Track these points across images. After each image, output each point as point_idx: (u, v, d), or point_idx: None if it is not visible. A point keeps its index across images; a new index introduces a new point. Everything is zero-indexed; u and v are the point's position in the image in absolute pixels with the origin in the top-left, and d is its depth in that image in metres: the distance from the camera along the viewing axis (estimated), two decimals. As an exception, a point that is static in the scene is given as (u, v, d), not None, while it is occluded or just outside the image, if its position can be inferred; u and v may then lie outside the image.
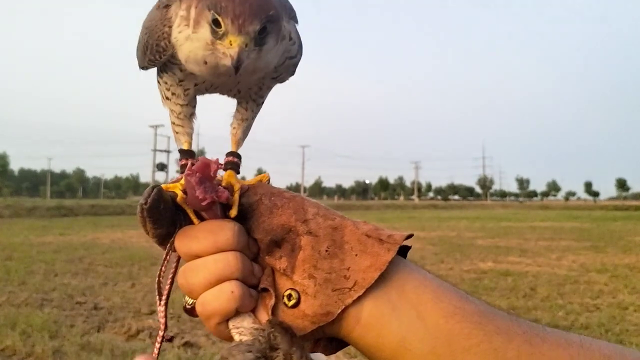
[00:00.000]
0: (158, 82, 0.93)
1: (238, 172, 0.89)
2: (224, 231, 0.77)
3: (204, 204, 0.75)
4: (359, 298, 0.73)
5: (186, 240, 0.78)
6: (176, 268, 0.84)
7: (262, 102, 0.95)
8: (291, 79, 0.94)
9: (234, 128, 0.95)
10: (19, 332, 6.38)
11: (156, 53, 0.85)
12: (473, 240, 20.24)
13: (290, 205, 0.80)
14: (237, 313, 0.75)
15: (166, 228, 0.79)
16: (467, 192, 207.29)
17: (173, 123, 0.93)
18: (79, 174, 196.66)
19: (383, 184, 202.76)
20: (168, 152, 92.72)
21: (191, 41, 0.80)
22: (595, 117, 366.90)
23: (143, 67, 0.91)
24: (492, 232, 24.78)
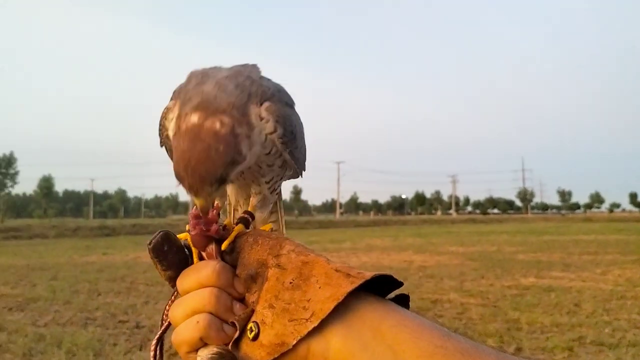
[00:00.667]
0: None
1: (247, 227, 0.95)
2: (206, 268, 0.81)
3: (193, 233, 0.83)
4: (323, 333, 0.71)
5: (180, 279, 0.83)
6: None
7: (270, 182, 1.01)
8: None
9: (252, 198, 1.02)
10: (64, 351, 6.55)
11: (160, 132, 0.97)
12: (514, 255, 19.78)
13: (268, 243, 0.83)
14: (205, 344, 0.78)
15: (175, 270, 0.85)
16: (506, 206, 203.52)
17: None
18: (121, 194, 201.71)
19: (420, 198, 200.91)
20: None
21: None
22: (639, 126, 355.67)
23: None
24: (533, 246, 24.16)
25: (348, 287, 0.72)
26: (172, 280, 0.85)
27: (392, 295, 0.79)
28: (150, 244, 0.83)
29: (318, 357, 0.71)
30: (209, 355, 0.76)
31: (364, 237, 35.03)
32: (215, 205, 0.85)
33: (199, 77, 0.88)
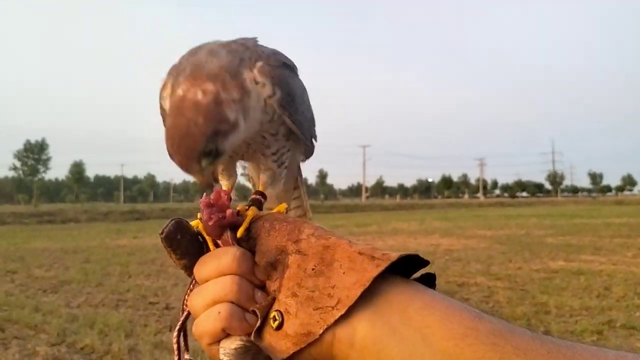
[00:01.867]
0: None
1: (260, 209, 0.92)
2: (226, 255, 0.78)
3: (210, 224, 0.80)
4: (349, 319, 0.68)
5: (198, 267, 0.80)
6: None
7: (276, 153, 0.98)
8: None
9: (259, 177, 1.01)
10: (97, 332, 6.74)
11: (160, 105, 0.95)
12: (543, 238, 19.51)
13: (286, 228, 0.79)
14: (227, 335, 0.75)
15: (189, 259, 0.82)
16: (535, 189, 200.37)
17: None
18: (150, 179, 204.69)
19: (446, 182, 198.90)
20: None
21: None
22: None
23: None
24: (563, 230, 23.77)
25: (374, 271, 0.68)
26: (188, 269, 0.83)
27: (417, 275, 0.75)
28: (162, 232, 0.80)
29: (344, 343, 0.69)
30: (234, 348, 0.74)
31: (390, 220, 34.95)
32: (226, 189, 0.84)
33: (192, 49, 0.87)
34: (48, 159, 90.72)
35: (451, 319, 0.65)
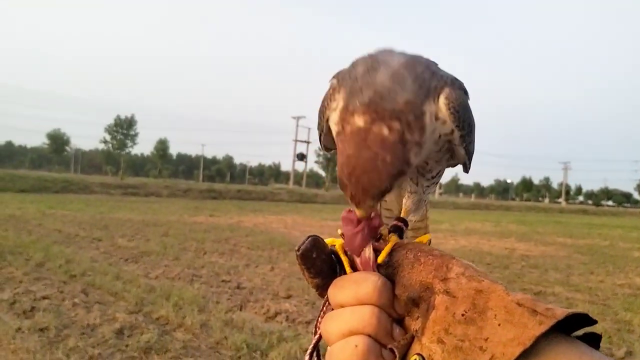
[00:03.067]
0: None
1: (401, 237, 0.87)
2: (366, 283, 0.74)
3: (356, 243, 0.76)
4: None
5: (334, 290, 0.77)
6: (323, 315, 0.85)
7: (435, 177, 0.92)
8: None
9: (405, 199, 0.94)
10: (172, 304, 7.02)
11: (321, 114, 0.88)
12: (628, 252, 18.32)
13: (433, 262, 0.74)
14: None
15: (322, 278, 0.80)
16: (623, 198, 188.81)
17: None
18: (228, 160, 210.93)
19: (526, 184, 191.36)
20: (308, 142, 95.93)
21: None
22: None
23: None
24: (652, 245, 22.27)
25: (536, 329, 0.61)
26: (320, 288, 0.81)
27: (580, 332, 0.66)
28: (298, 250, 0.77)
29: None
30: None
31: (463, 219, 34.09)
32: (377, 214, 0.79)
33: (368, 63, 0.79)
34: (136, 135, 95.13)
35: None
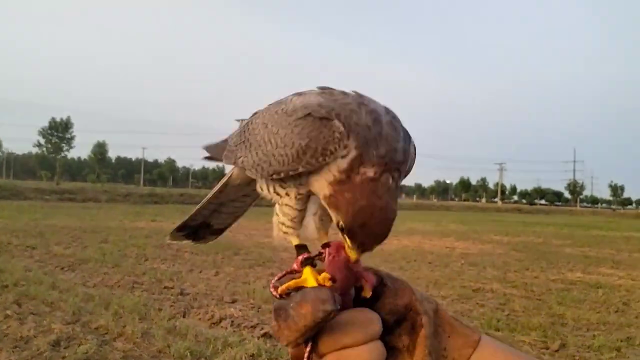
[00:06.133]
0: (264, 189, 0.99)
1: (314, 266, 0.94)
2: (373, 323, 0.83)
3: (353, 268, 0.85)
4: None
5: (337, 336, 0.80)
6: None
7: None
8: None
9: (321, 220, 1.00)
10: (112, 313, 6.80)
11: (321, 156, 0.84)
12: (560, 248, 19.24)
13: (406, 287, 0.89)
14: None
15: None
16: (554, 197, 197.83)
17: (282, 224, 0.97)
18: (170, 163, 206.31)
19: (464, 184, 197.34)
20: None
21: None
22: None
23: (293, 170, 0.89)
24: (581, 241, 23.42)
25: (474, 335, 0.88)
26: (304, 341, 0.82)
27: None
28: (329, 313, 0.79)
29: None
30: None
31: (405, 220, 34.73)
32: (343, 246, 0.88)
33: (371, 114, 0.84)
34: (72, 138, 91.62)
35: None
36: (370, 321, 0.82)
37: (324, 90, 0.92)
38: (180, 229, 1.23)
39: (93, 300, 7.44)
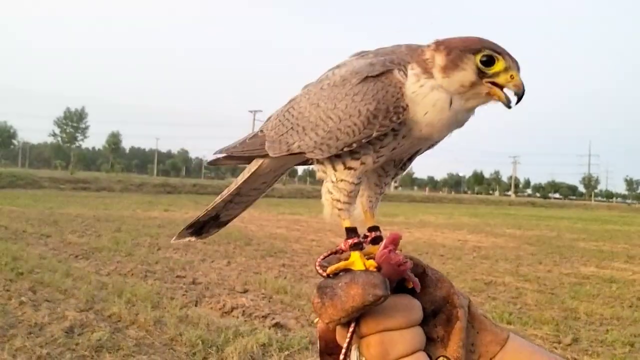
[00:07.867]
0: (322, 168, 0.99)
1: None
2: (415, 310, 0.87)
3: (402, 268, 0.86)
4: None
5: (380, 319, 0.84)
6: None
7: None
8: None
9: (370, 201, 1.02)
10: (124, 301, 6.86)
11: (394, 115, 0.86)
12: (574, 242, 19.08)
13: (445, 279, 0.92)
14: None
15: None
16: (569, 191, 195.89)
17: (338, 200, 0.96)
18: (183, 154, 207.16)
19: (477, 177, 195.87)
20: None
21: (439, 90, 0.85)
22: None
23: (356, 142, 0.91)
24: (595, 235, 23.21)
25: (503, 333, 0.90)
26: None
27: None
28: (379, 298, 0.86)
29: None
30: None
31: (417, 212, 34.68)
32: (400, 235, 0.92)
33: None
34: (86, 128, 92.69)
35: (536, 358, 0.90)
36: (412, 307, 0.86)
37: (359, 54, 0.94)
38: (190, 226, 1.22)
39: (106, 289, 7.52)
